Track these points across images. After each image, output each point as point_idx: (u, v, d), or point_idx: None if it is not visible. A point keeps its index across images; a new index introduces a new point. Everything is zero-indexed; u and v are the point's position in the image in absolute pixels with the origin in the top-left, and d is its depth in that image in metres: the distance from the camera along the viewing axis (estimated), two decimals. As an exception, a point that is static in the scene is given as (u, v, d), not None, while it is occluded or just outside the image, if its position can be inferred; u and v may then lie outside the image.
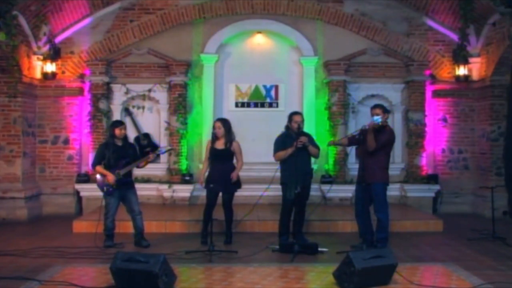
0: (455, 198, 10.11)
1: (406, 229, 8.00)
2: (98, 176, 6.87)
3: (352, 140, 6.97)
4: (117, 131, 6.87)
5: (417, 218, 8.51)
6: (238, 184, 7.14)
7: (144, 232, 7.03)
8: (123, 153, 6.88)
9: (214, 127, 7.15)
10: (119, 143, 6.92)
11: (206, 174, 7.22)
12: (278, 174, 6.90)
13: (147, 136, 9.88)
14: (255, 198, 7.83)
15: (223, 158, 7.00)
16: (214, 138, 7.08)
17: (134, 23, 9.97)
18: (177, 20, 10.03)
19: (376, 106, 6.78)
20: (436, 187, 9.83)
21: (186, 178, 9.74)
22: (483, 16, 9.24)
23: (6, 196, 9.10)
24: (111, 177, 6.73)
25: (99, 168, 6.81)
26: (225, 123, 7.13)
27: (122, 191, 6.84)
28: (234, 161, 7.16)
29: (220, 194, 7.06)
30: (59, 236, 7.58)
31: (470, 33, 9.62)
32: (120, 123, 7.07)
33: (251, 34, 10.25)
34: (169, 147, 8.23)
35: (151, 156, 7.14)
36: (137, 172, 9.03)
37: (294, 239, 6.74)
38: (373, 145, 6.53)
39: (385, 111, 6.77)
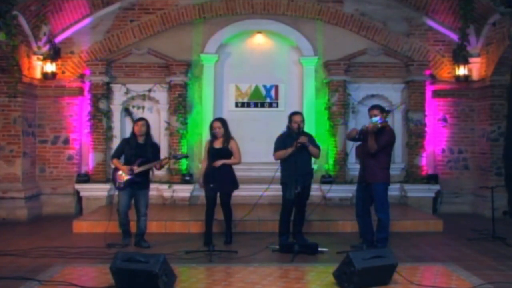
0: (455, 198, 10.11)
1: (406, 229, 8.00)
2: (119, 172, 6.86)
3: (356, 138, 6.90)
4: (136, 128, 6.87)
5: (417, 218, 8.51)
6: (235, 184, 7.13)
7: (145, 234, 7.03)
8: (140, 152, 6.83)
9: (213, 127, 7.10)
10: (141, 140, 6.88)
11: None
12: (278, 174, 6.90)
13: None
14: (255, 198, 7.83)
15: (221, 157, 6.99)
16: (214, 137, 7.07)
17: (134, 23, 9.97)
18: (177, 20, 10.03)
19: (373, 107, 6.77)
20: (436, 187, 9.83)
21: (186, 178, 9.74)
22: (483, 16, 9.24)
23: (6, 196, 9.09)
24: (125, 168, 6.72)
25: (115, 161, 6.90)
26: (224, 122, 7.14)
27: (133, 189, 6.82)
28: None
29: (218, 194, 7.05)
30: (59, 236, 7.58)
31: (470, 33, 9.61)
32: (139, 119, 7.04)
33: (251, 34, 10.25)
34: (184, 154, 8.24)
35: (165, 160, 7.10)
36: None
37: (294, 239, 6.74)
38: (374, 146, 6.52)
39: (383, 111, 6.76)
